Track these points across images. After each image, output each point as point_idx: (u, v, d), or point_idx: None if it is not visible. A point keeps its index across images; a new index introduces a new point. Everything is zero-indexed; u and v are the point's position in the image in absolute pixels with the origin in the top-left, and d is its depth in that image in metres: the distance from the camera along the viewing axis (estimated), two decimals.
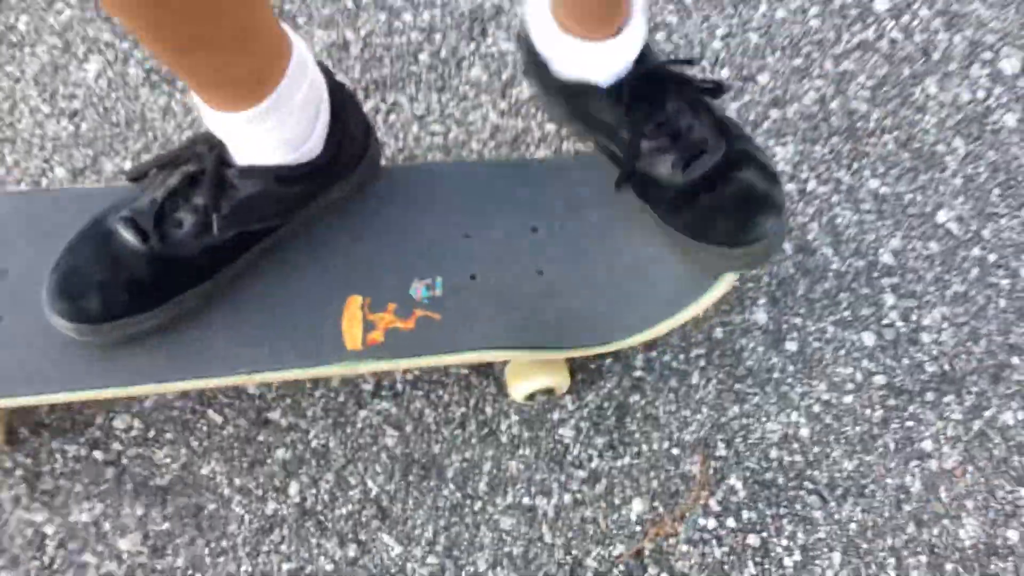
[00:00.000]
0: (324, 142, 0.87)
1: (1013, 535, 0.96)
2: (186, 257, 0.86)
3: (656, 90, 0.87)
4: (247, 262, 0.90)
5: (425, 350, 0.88)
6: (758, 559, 0.94)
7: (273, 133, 0.82)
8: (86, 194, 0.95)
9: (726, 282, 0.90)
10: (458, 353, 0.88)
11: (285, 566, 0.93)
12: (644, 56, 0.87)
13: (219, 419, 0.97)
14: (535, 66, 0.92)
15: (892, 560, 0.94)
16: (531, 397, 0.97)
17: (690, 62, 0.93)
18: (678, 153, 0.87)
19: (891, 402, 1.00)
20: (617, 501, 0.96)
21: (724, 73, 1.12)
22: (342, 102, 0.88)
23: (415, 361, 0.89)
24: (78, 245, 0.86)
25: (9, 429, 0.95)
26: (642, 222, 0.91)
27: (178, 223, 0.86)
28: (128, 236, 0.85)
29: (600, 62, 0.86)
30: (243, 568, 0.92)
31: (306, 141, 0.85)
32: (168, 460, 0.96)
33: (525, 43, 0.92)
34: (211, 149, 0.85)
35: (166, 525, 0.93)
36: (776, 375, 1.01)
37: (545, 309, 0.90)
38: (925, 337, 1.03)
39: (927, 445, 0.99)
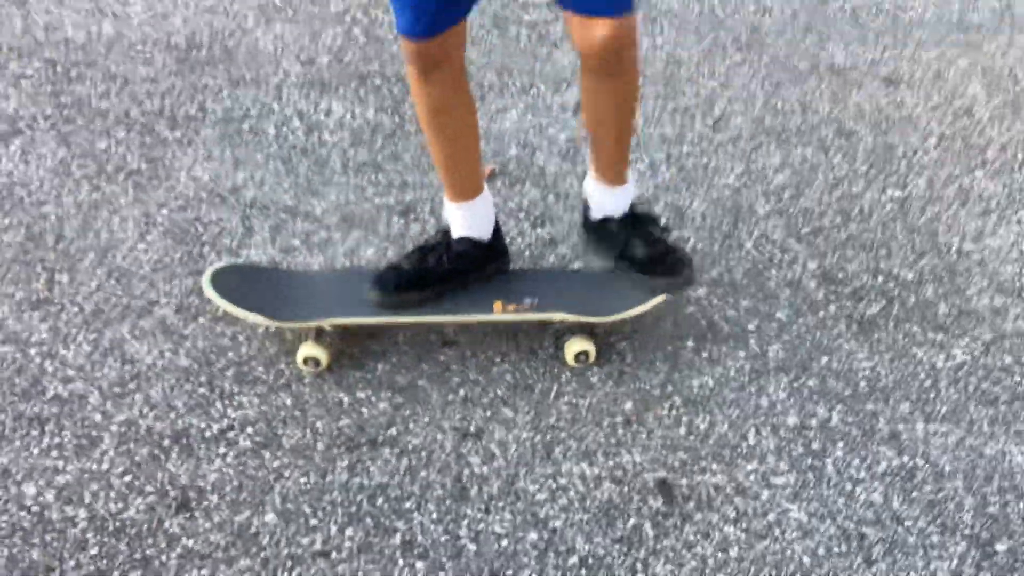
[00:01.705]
0: (490, 236, 2.08)
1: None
2: (431, 274, 2.03)
3: (642, 221, 2.07)
4: (457, 283, 2.05)
5: (531, 313, 2.00)
6: (692, 423, 1.93)
7: (471, 220, 2.04)
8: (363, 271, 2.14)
9: (659, 298, 2.03)
10: (545, 313, 2.00)
11: (457, 414, 1.94)
12: (635, 205, 2.08)
13: (430, 369, 2.04)
14: (585, 221, 2.13)
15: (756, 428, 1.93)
16: (576, 358, 2.03)
17: (656, 219, 2.13)
18: (648, 248, 2.04)
19: (756, 373, 2.05)
20: (619, 401, 1.98)
21: None
22: (498, 226, 2.11)
23: (525, 316, 2.00)
24: (383, 271, 2.05)
25: (328, 361, 2.03)
26: (626, 278, 2.06)
27: (427, 262, 2.04)
28: (406, 265, 2.04)
29: (616, 201, 2.06)
30: (447, 413, 1.94)
31: (483, 230, 2.06)
32: (405, 373, 2.01)
33: (583, 213, 2.15)
34: (444, 235, 2.07)
35: (400, 399, 1.97)
36: (697, 364, 2.07)
37: (584, 306, 2.03)
38: (770, 354, 2.10)
39: (765, 400, 2.01)
